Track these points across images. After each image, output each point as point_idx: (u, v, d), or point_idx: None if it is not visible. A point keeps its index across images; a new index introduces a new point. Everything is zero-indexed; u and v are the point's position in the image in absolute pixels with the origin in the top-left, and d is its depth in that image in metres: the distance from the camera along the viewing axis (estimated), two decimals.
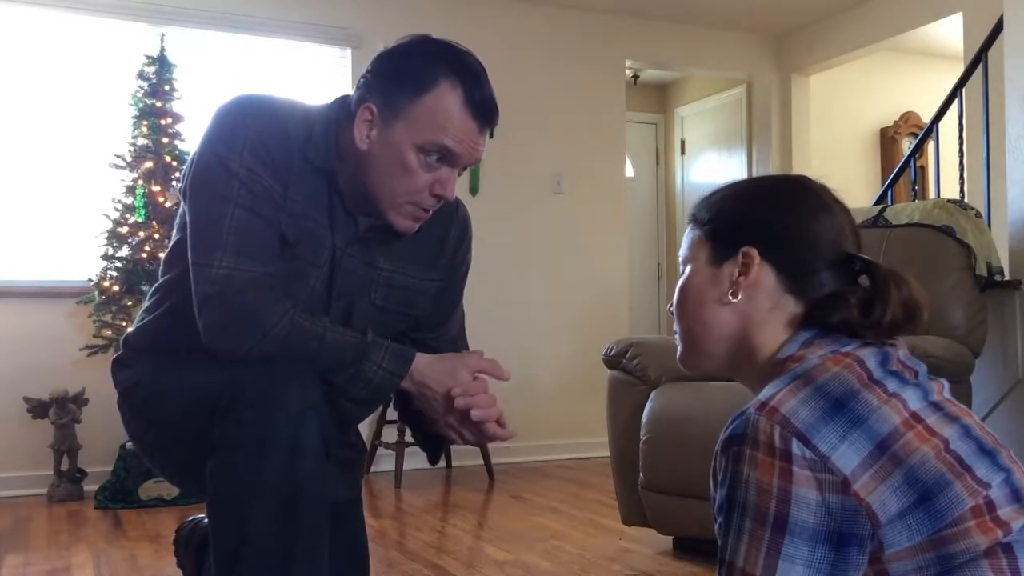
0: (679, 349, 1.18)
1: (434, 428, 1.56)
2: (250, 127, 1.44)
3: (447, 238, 1.66)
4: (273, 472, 1.33)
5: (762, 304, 1.09)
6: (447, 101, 1.42)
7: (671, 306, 1.18)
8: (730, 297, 1.09)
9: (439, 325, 1.70)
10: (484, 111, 1.44)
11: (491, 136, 1.50)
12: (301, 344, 1.41)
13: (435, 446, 1.67)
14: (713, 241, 1.13)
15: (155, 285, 1.63)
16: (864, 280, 1.08)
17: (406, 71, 1.44)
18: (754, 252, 1.09)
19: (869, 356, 1.03)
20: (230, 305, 1.40)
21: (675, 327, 1.18)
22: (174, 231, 1.59)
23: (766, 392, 1.02)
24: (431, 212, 1.49)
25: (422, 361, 1.48)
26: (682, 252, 1.18)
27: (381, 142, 1.44)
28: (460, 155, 1.44)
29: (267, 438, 1.33)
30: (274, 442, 1.33)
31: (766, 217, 1.11)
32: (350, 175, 1.48)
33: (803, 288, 1.08)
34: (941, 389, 1.07)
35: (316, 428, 1.37)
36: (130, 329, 1.64)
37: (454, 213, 1.67)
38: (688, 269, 1.15)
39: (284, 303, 1.42)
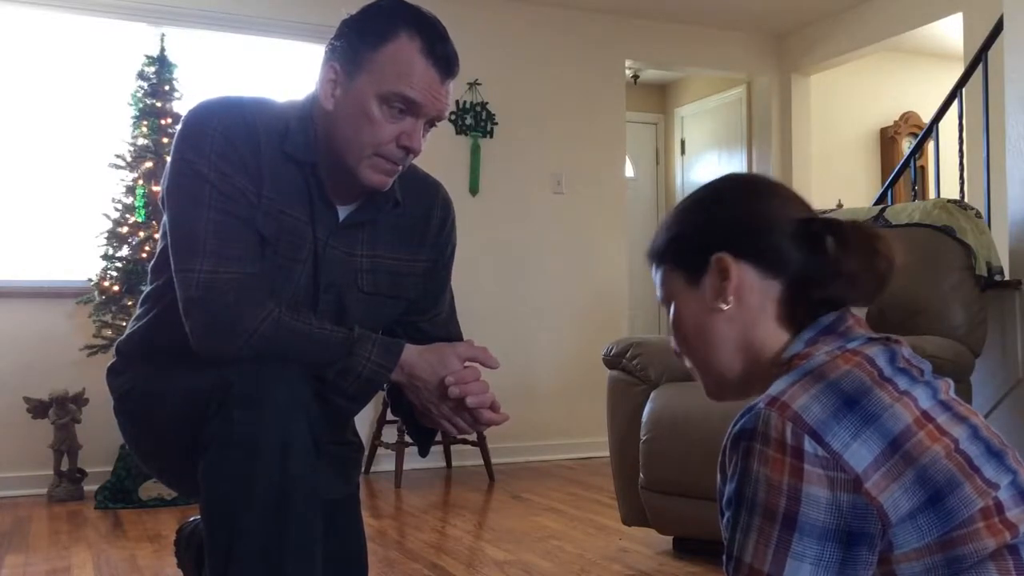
0: (703, 385, 1.17)
1: (424, 420, 1.56)
2: (216, 129, 1.45)
3: (430, 220, 1.66)
4: (263, 471, 1.34)
5: (752, 300, 1.09)
6: (407, 50, 1.44)
7: (674, 347, 1.18)
8: (721, 304, 1.09)
9: (430, 308, 1.70)
10: (444, 60, 1.45)
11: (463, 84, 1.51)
12: (288, 342, 1.42)
13: (425, 438, 1.68)
14: (681, 266, 1.13)
15: (144, 293, 1.64)
16: (830, 241, 1.09)
17: (367, 27, 1.47)
18: (725, 255, 1.09)
19: (878, 354, 1.03)
20: (214, 308, 1.41)
21: (688, 365, 1.17)
22: (159, 238, 1.60)
23: (776, 387, 1.01)
24: (400, 167, 1.49)
25: (411, 352, 1.48)
26: (659, 295, 1.18)
27: (345, 97, 1.46)
28: (422, 104, 1.44)
29: (256, 437, 1.34)
30: (263, 441, 1.34)
31: (718, 218, 1.12)
32: (328, 156, 1.49)
33: (779, 268, 1.09)
34: (948, 388, 1.07)
35: (305, 426, 1.38)
36: (121, 337, 1.65)
37: (435, 195, 1.69)
38: (673, 304, 1.15)
39: (268, 302, 1.43)
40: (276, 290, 1.47)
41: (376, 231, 1.58)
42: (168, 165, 1.50)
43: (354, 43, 1.47)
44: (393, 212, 1.60)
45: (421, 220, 1.65)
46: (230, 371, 1.38)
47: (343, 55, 1.47)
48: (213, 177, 1.43)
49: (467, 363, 1.50)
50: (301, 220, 1.50)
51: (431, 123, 1.49)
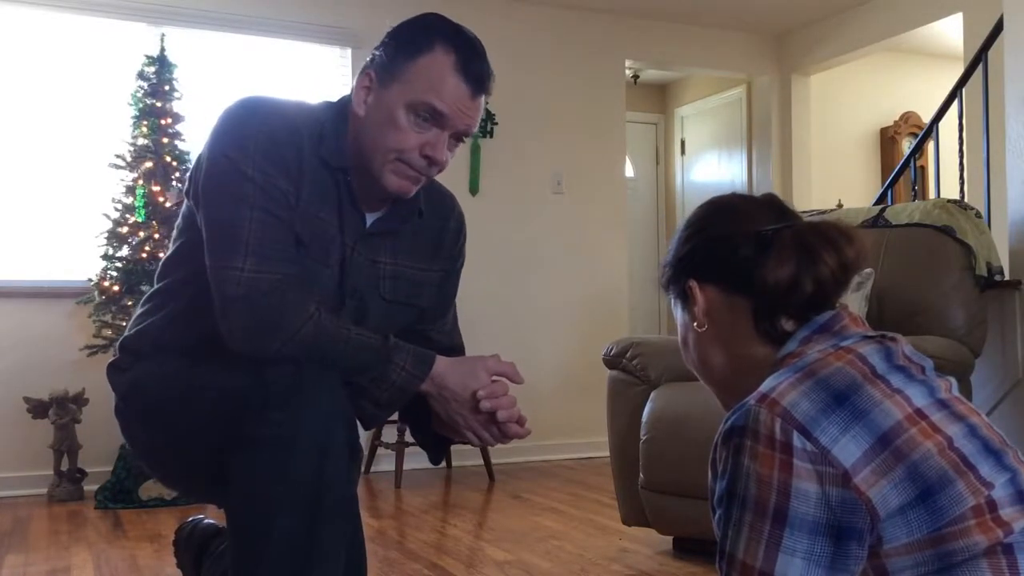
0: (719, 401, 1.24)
1: (444, 429, 1.56)
2: (260, 129, 1.45)
3: (446, 231, 1.68)
4: (301, 472, 1.34)
5: (724, 319, 1.14)
6: (440, 63, 1.45)
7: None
8: (697, 328, 1.16)
9: (439, 317, 1.72)
10: (475, 75, 1.46)
11: (487, 105, 1.52)
12: (327, 346, 1.42)
13: (439, 446, 1.68)
14: (675, 297, 1.22)
15: (152, 290, 1.62)
16: (768, 251, 1.12)
17: (405, 39, 1.48)
18: (691, 282, 1.16)
19: (872, 352, 1.04)
20: (257, 308, 1.40)
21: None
22: (175, 234, 1.59)
23: (767, 384, 1.02)
24: (424, 177, 1.50)
25: (442, 364, 1.49)
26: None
27: (376, 104, 1.47)
28: (449, 117, 1.45)
29: (296, 438, 1.34)
30: (303, 442, 1.34)
31: (685, 248, 1.20)
32: (357, 161, 1.50)
33: (743, 284, 1.12)
34: (949, 387, 1.07)
35: (343, 429, 1.38)
36: (126, 334, 1.63)
37: (451, 208, 1.71)
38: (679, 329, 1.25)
39: (310, 305, 1.42)
40: (312, 291, 1.47)
41: (397, 240, 1.59)
42: (204, 160, 1.48)
43: (391, 53, 1.48)
44: (415, 221, 1.61)
45: (437, 231, 1.67)
46: (268, 372, 1.38)
47: (379, 64, 1.48)
48: (256, 176, 1.43)
49: (495, 377, 1.51)
50: (331, 224, 1.50)
51: (458, 138, 1.50)
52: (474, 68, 1.46)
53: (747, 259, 1.11)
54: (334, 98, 1.58)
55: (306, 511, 1.34)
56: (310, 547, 1.35)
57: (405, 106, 1.44)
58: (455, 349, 1.71)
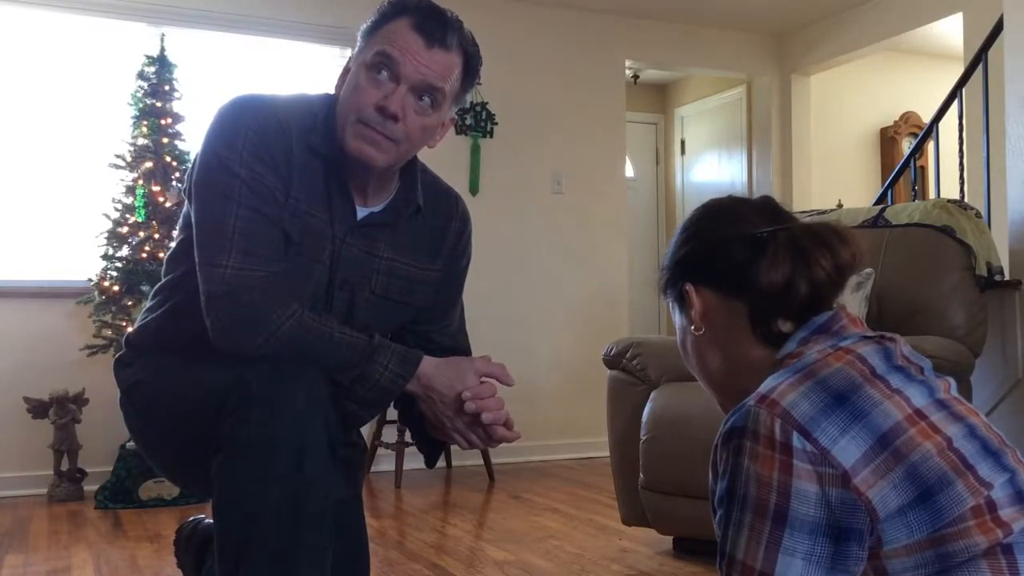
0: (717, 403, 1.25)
1: (435, 432, 1.56)
2: (250, 127, 1.46)
3: (448, 230, 1.67)
4: (280, 471, 1.33)
5: (720, 322, 1.14)
6: (397, 25, 1.47)
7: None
8: (694, 331, 1.17)
9: (441, 318, 1.71)
10: (429, 29, 1.46)
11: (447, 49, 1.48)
12: (308, 344, 1.42)
13: (433, 450, 1.67)
14: (672, 299, 1.23)
15: (158, 284, 1.63)
16: (761, 256, 1.12)
17: (375, 19, 1.51)
18: (687, 285, 1.16)
19: (871, 353, 1.04)
20: (238, 304, 1.41)
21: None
22: (177, 230, 1.60)
23: (766, 385, 1.02)
24: (384, 138, 1.46)
25: (429, 364, 1.48)
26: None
27: (346, 83, 1.50)
28: (400, 63, 1.44)
29: (274, 437, 1.33)
30: (281, 441, 1.34)
31: (681, 251, 1.20)
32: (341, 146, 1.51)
33: (739, 287, 1.12)
34: (948, 387, 1.07)
35: (322, 428, 1.37)
36: (132, 328, 1.64)
37: (455, 207, 1.70)
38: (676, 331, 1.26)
39: (292, 303, 1.43)
40: (297, 289, 1.47)
41: (397, 235, 1.59)
42: (198, 158, 1.50)
43: (363, 36, 1.51)
44: (414, 218, 1.60)
45: (439, 230, 1.66)
46: (248, 370, 1.38)
47: (356, 50, 1.52)
48: (244, 174, 1.43)
49: (483, 379, 1.50)
50: (322, 219, 1.50)
51: (420, 95, 1.47)
52: (429, 24, 1.46)
53: (742, 262, 1.11)
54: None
55: (287, 511, 1.34)
56: (293, 547, 1.34)
57: (365, 67, 1.46)
58: (458, 351, 1.68)
